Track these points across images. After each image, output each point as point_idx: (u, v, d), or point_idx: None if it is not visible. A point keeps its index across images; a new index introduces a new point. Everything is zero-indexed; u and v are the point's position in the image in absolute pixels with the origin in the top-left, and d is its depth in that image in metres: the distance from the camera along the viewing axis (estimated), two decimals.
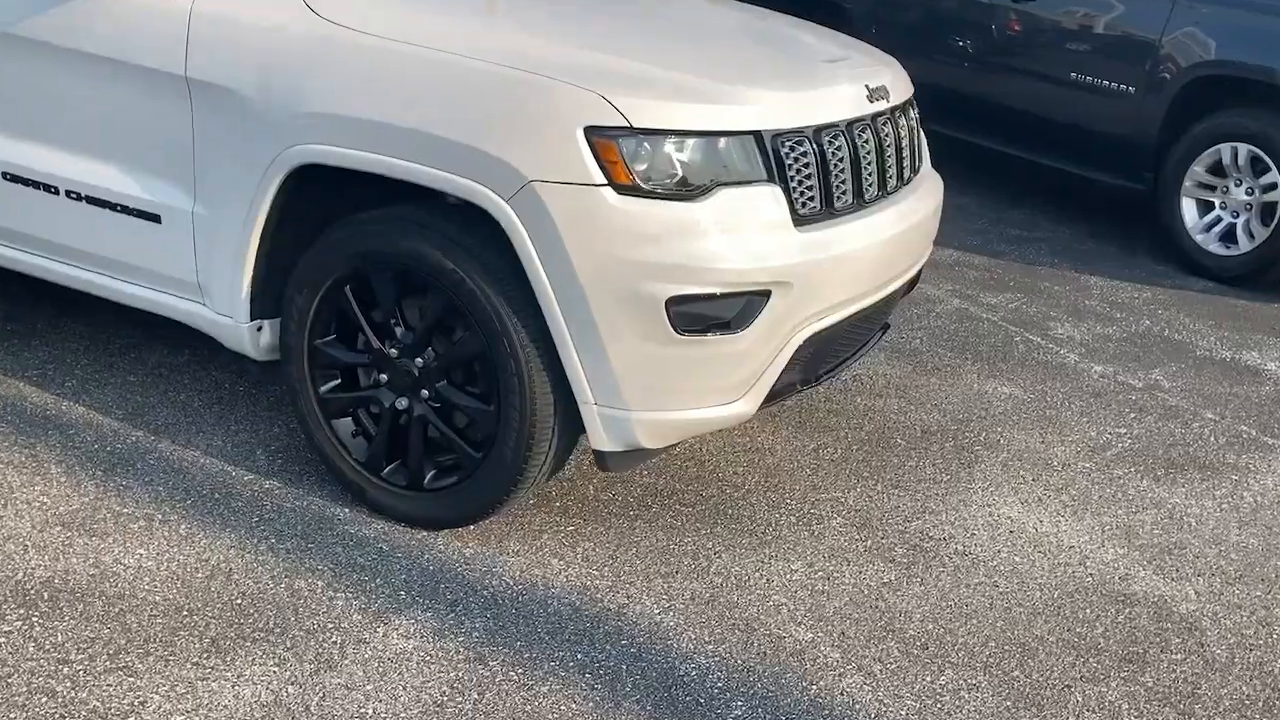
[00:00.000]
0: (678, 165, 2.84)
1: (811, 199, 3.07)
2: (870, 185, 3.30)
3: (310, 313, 3.19)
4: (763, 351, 3.00)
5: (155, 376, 3.94)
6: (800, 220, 3.02)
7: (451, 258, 2.94)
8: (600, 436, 2.97)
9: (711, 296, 2.88)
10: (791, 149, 3.01)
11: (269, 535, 3.15)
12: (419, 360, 3.12)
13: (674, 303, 2.84)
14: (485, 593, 2.98)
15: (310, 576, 2.99)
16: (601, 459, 3.05)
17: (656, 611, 2.96)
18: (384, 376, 3.19)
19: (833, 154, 3.13)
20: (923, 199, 3.64)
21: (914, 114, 3.71)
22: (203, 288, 3.38)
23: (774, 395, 3.17)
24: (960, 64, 7.16)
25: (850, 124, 3.21)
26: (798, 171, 3.02)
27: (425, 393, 3.13)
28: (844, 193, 3.18)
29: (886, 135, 3.39)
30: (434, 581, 3.01)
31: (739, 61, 3.22)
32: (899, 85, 3.60)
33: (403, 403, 3.17)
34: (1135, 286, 5.86)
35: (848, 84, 3.28)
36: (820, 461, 3.78)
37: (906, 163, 3.57)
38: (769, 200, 2.95)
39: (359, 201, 3.14)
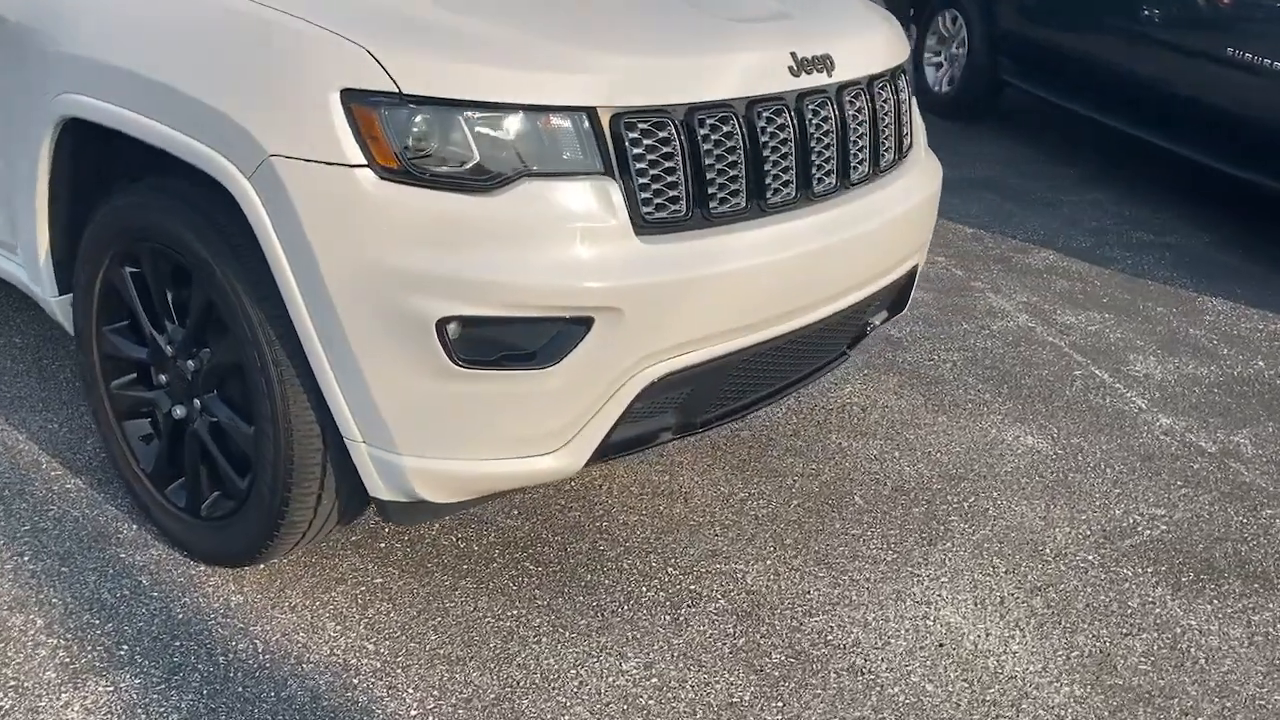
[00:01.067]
0: (466, 147, 2.17)
1: (672, 200, 2.34)
2: (782, 184, 2.53)
3: (94, 294, 2.68)
4: (584, 394, 2.31)
5: (11, 346, 3.54)
6: (646, 227, 2.30)
7: (205, 242, 2.36)
8: (374, 482, 2.36)
9: (503, 321, 2.20)
10: (644, 133, 2.29)
11: (25, 550, 2.68)
12: (191, 363, 2.57)
13: (450, 326, 2.18)
14: (222, 657, 2.42)
15: (35, 611, 2.51)
16: (382, 509, 2.44)
17: (414, 712, 2.34)
18: (164, 377, 2.67)
19: (713, 142, 2.38)
20: (894, 197, 2.84)
21: (895, 90, 2.90)
22: (19, 251, 2.94)
23: (616, 447, 2.47)
24: (1101, 32, 6.09)
25: (754, 104, 2.45)
26: (650, 164, 2.30)
27: (198, 402, 2.59)
28: (731, 193, 2.44)
29: (823, 119, 2.61)
30: (171, 635, 2.47)
31: (599, 15, 2.50)
32: (864, 54, 2.78)
33: (179, 411, 2.63)
34: (1266, 317, 4.77)
35: (756, 51, 2.51)
36: (741, 519, 3.05)
37: (865, 153, 2.77)
38: (598, 198, 2.24)
39: (136, 167, 2.59)
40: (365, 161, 2.13)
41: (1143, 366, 4.18)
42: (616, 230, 2.25)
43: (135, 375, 2.76)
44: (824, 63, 2.61)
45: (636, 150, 2.28)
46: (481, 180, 2.17)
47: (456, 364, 2.20)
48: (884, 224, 2.79)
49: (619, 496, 3.09)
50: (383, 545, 2.81)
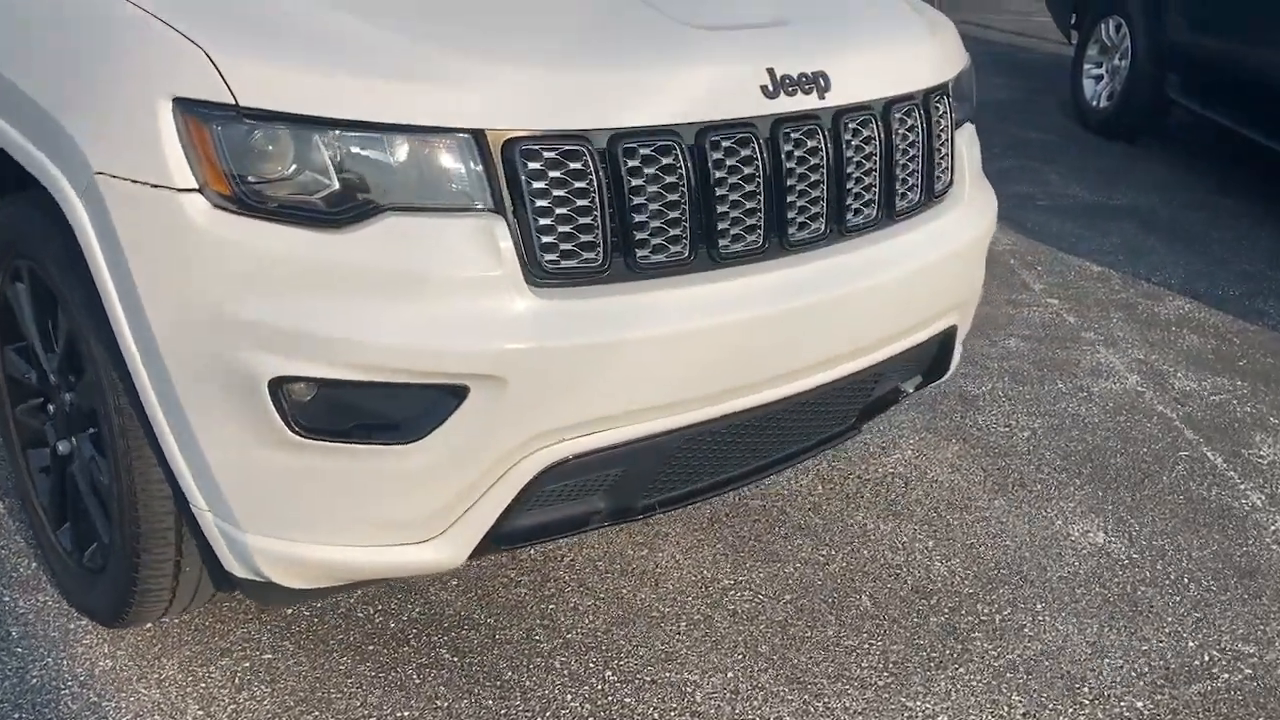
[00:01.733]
0: (315, 172, 1.79)
1: (584, 246, 1.91)
2: (744, 229, 2.07)
3: None
4: (458, 476, 1.90)
5: None
6: (546, 278, 1.88)
7: (57, 266, 2.06)
8: (224, 556, 2.01)
9: (354, 385, 1.82)
10: (548, 164, 1.86)
11: None
12: (68, 396, 2.28)
13: (289, 388, 1.81)
14: None
15: None
16: (239, 586, 2.09)
17: None
18: (52, 408, 2.39)
19: (647, 177, 1.94)
20: (912, 248, 2.35)
21: (926, 116, 2.38)
22: None
23: (519, 535, 2.06)
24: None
25: (707, 130, 1.99)
26: (556, 201, 1.87)
27: (74, 440, 2.30)
28: (671, 239, 1.99)
29: (810, 151, 2.13)
30: (14, 704, 2.19)
31: (516, 16, 2.06)
32: (881, 70, 2.28)
33: (63, 446, 2.35)
34: None
35: (716, 65, 2.04)
36: (715, 613, 2.58)
37: (873, 193, 2.27)
38: (480, 241, 1.83)
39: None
40: (196, 186, 1.78)
41: (1270, 452, 3.49)
42: (502, 281, 1.84)
43: (39, 401, 2.49)
44: (814, 82, 2.13)
45: (537, 184, 1.86)
46: (333, 214, 1.79)
47: (295, 433, 1.83)
48: (894, 280, 2.29)
49: (579, 572, 2.67)
50: (289, 611, 2.47)
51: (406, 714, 2.24)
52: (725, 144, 2.02)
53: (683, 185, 1.98)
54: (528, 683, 2.34)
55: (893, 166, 2.31)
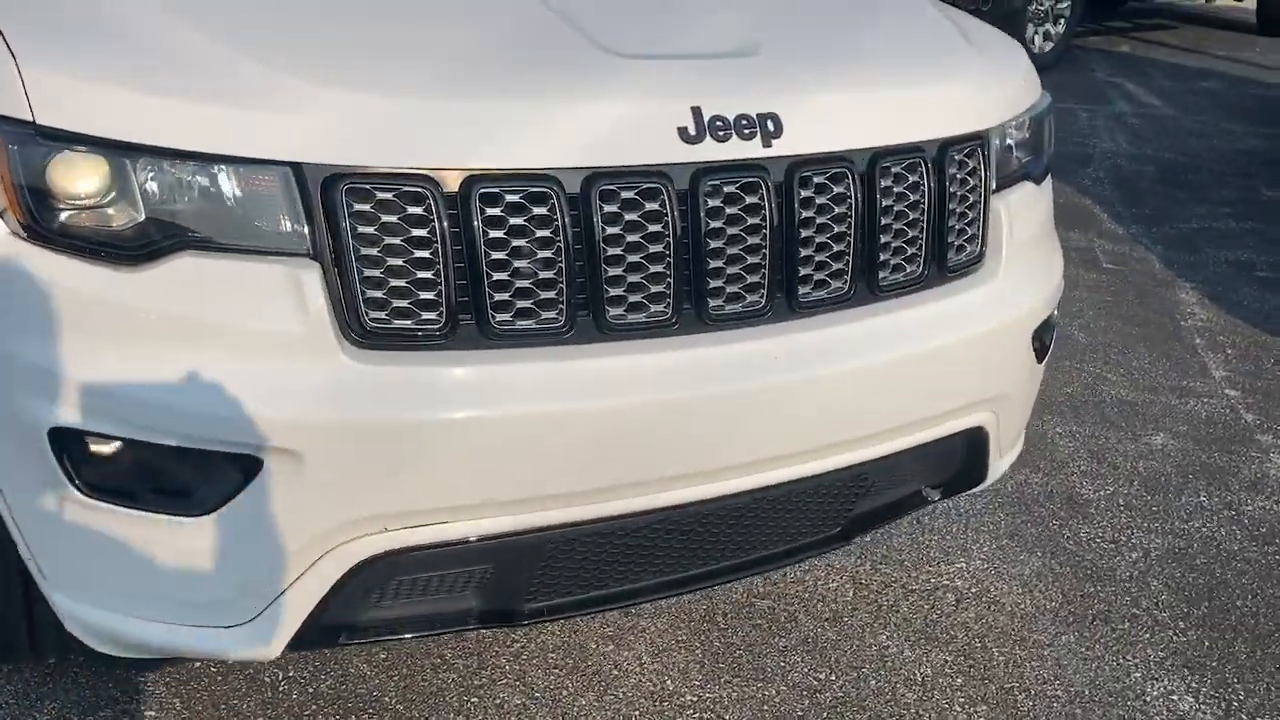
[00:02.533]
0: (115, 203, 1.58)
1: (425, 305, 1.62)
2: (646, 296, 1.72)
3: None
4: (258, 558, 1.65)
5: None
6: (369, 338, 1.60)
7: None
8: (60, 610, 1.84)
9: (136, 445, 1.60)
10: (382, 207, 1.58)
11: None
12: None
13: (69, 441, 1.61)
14: None
15: None
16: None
17: None
18: None
19: (511, 228, 1.63)
20: (895, 332, 1.93)
21: (938, 173, 1.95)
22: None
23: (354, 631, 1.79)
24: None
25: (596, 177, 1.66)
26: (387, 249, 1.59)
27: None
28: (541, 303, 1.66)
29: (746, 208, 1.75)
30: None
31: (380, 28, 1.77)
32: (868, 115, 1.87)
33: None
34: None
35: (622, 101, 1.70)
36: None
37: (845, 262, 1.87)
38: (288, 290, 1.57)
39: None
40: None
41: None
42: (308, 339, 1.57)
43: None
44: (758, 125, 1.75)
45: (364, 229, 1.58)
46: (128, 249, 1.57)
47: (77, 489, 1.62)
48: (866, 368, 1.89)
49: (524, 663, 2.36)
50: (175, 666, 2.29)
51: None
52: (624, 195, 1.68)
53: (559, 241, 1.65)
54: None
55: (875, 233, 1.89)
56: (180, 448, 1.59)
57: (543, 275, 1.65)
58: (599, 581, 1.91)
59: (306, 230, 1.57)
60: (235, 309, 1.57)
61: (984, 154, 2.05)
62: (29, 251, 1.59)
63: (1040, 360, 2.28)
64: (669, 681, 2.35)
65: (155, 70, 1.61)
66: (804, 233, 1.82)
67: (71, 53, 1.64)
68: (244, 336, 1.57)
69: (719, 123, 1.73)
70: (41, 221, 1.58)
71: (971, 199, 2.05)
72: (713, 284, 1.76)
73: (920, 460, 2.11)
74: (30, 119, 1.57)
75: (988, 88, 2.11)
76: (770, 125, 1.76)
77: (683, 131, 1.70)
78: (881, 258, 1.92)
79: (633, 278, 1.71)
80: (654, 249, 1.71)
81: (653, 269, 1.72)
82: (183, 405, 1.56)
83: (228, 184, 1.57)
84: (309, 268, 1.57)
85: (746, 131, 1.74)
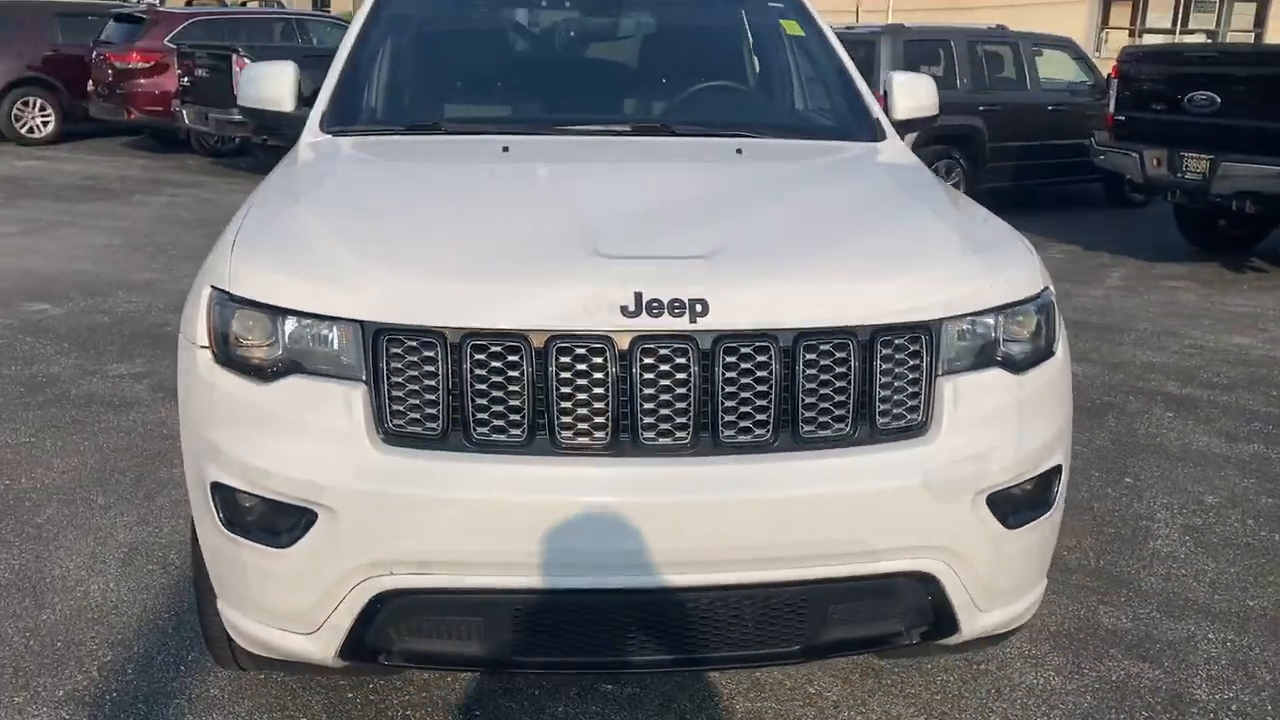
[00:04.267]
0: (259, 342, 2.50)
1: (430, 418, 2.38)
2: (593, 425, 2.37)
3: None
4: (316, 583, 2.44)
5: None
6: (392, 438, 2.38)
7: None
8: (223, 615, 2.71)
9: (249, 494, 2.48)
10: (407, 350, 2.39)
11: None
12: None
13: (217, 491, 2.52)
14: None
15: None
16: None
17: None
18: None
19: (489, 369, 2.37)
20: (812, 474, 2.41)
21: (874, 351, 2.45)
22: None
23: (397, 656, 2.51)
24: None
25: (556, 338, 2.36)
26: (408, 378, 2.39)
27: None
28: (510, 423, 2.37)
29: (676, 366, 2.37)
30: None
31: (460, 230, 2.62)
32: (807, 301, 2.43)
33: None
34: None
35: (581, 285, 2.39)
36: None
37: (768, 414, 2.41)
38: (341, 400, 2.40)
39: None
40: (206, 344, 2.57)
41: None
42: (353, 433, 2.38)
43: None
44: (687, 307, 2.37)
45: (395, 364, 2.39)
46: (261, 369, 2.47)
47: (223, 526, 2.51)
48: (784, 498, 2.38)
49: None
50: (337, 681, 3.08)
51: None
52: (578, 350, 2.36)
53: (523, 380, 2.35)
54: None
55: (796, 396, 2.40)
56: (275, 500, 2.43)
57: (510, 403, 2.36)
58: (579, 649, 2.49)
59: (362, 365, 2.40)
60: (317, 411, 2.40)
61: (928, 341, 2.50)
62: (217, 371, 2.53)
63: (1012, 525, 2.59)
64: None
65: (301, 261, 2.54)
66: (728, 389, 2.38)
67: (260, 249, 2.62)
68: (316, 430, 2.40)
69: (655, 303, 2.36)
70: (224, 352, 2.53)
71: (911, 376, 2.49)
72: (646, 420, 2.37)
73: (868, 596, 2.51)
74: (227, 289, 2.55)
75: (943, 284, 2.55)
76: (699, 307, 2.37)
77: (624, 309, 2.36)
78: (807, 415, 2.42)
79: (581, 411, 2.36)
80: (597, 391, 2.36)
81: (596, 406, 2.36)
82: (277, 470, 2.41)
83: (324, 333, 2.44)
84: (359, 387, 2.39)
85: (676, 310, 2.36)
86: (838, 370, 2.43)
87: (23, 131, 15.92)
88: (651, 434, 2.37)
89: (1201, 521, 4.40)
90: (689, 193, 3.15)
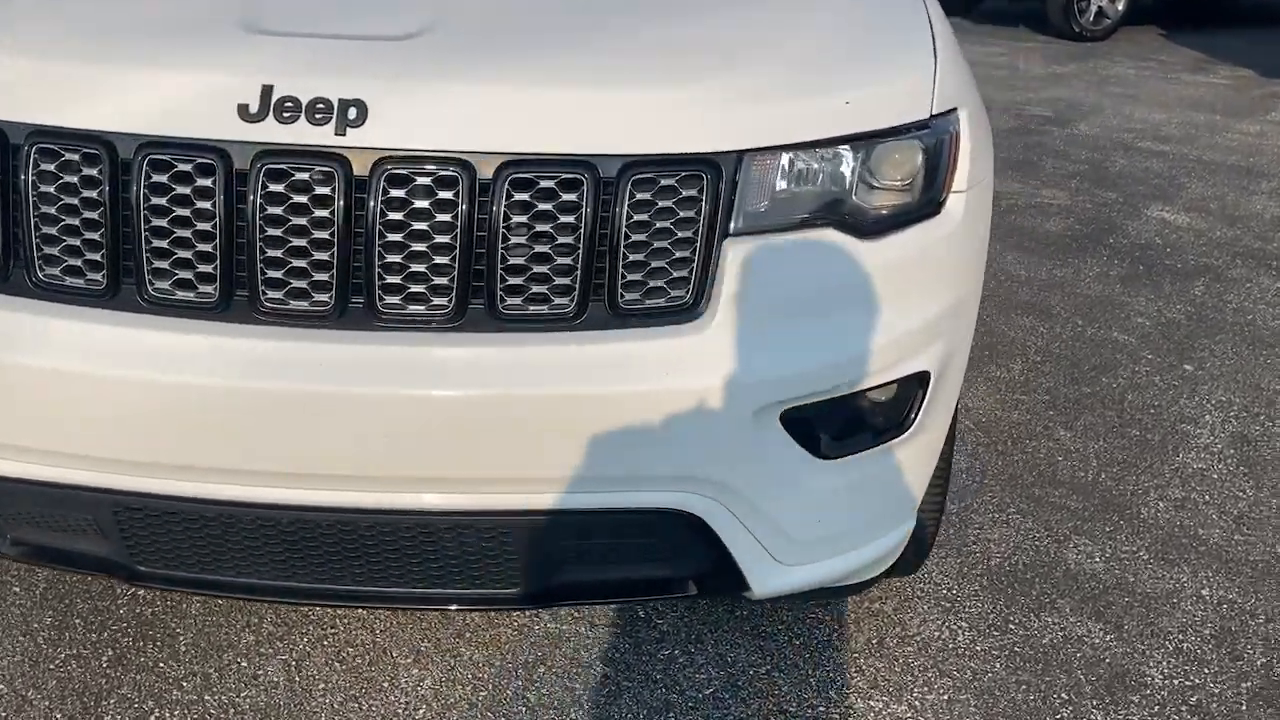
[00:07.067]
0: None
1: None
2: (197, 276, 1.69)
3: None
4: None
5: None
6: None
7: None
8: None
9: None
10: None
11: None
12: None
13: None
14: None
15: None
16: None
17: None
18: None
19: (59, 184, 1.69)
20: (508, 364, 1.69)
21: (623, 196, 1.67)
22: None
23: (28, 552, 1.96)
24: None
25: (148, 146, 1.66)
26: None
27: None
28: (87, 263, 1.71)
29: (316, 199, 1.65)
30: None
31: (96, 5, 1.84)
32: (526, 113, 1.66)
33: None
34: None
35: (192, 73, 1.66)
36: None
37: (441, 275, 1.68)
38: None
39: None
40: None
41: None
42: None
43: None
44: (336, 111, 1.63)
45: None
46: None
47: None
48: (451, 399, 1.67)
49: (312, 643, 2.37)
50: None
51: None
52: (180, 166, 1.65)
53: (103, 203, 1.67)
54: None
55: (494, 252, 1.65)
56: None
57: (86, 236, 1.68)
58: (210, 566, 1.88)
59: None
60: None
61: (711, 182, 1.69)
62: None
63: (830, 455, 1.82)
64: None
65: None
66: (390, 236, 1.65)
67: None
68: None
69: (287, 104, 1.62)
70: None
71: (682, 235, 1.70)
72: (269, 274, 1.66)
73: (604, 533, 1.81)
74: None
75: (752, 97, 1.72)
76: (352, 113, 1.62)
77: (243, 110, 1.62)
78: (509, 281, 1.67)
79: (180, 253, 1.67)
80: (201, 226, 1.66)
81: (200, 247, 1.67)
82: None
83: None
84: None
85: (319, 115, 1.62)
86: (561, 220, 1.66)
87: None
88: (280, 292, 1.68)
89: (1260, 430, 3.46)
90: None
